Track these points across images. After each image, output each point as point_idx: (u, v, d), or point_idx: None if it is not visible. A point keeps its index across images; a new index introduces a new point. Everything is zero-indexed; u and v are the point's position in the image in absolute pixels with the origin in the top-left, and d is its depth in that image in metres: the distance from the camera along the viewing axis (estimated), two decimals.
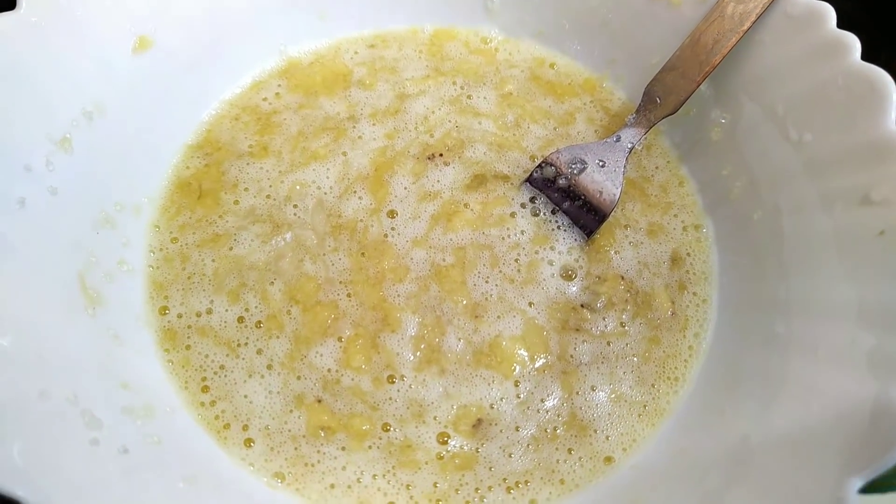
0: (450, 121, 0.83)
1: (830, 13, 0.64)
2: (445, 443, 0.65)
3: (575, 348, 0.70)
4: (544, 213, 0.76)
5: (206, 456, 0.62)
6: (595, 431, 0.67)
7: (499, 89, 0.86)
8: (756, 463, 0.56)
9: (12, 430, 0.48)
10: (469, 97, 0.85)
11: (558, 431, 0.66)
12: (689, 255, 0.76)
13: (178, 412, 0.64)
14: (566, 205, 0.76)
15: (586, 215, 0.75)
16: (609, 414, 0.68)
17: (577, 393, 0.68)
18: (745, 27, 0.69)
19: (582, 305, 0.72)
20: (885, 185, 0.58)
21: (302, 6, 0.86)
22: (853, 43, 0.62)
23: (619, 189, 0.74)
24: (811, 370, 0.59)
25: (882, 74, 0.59)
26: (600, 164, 0.75)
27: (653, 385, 0.69)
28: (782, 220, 0.68)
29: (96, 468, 0.51)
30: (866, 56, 0.61)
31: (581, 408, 0.68)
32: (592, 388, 0.68)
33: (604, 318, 0.72)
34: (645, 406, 0.68)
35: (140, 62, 0.72)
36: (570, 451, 0.66)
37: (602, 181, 0.75)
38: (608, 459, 0.66)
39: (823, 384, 0.57)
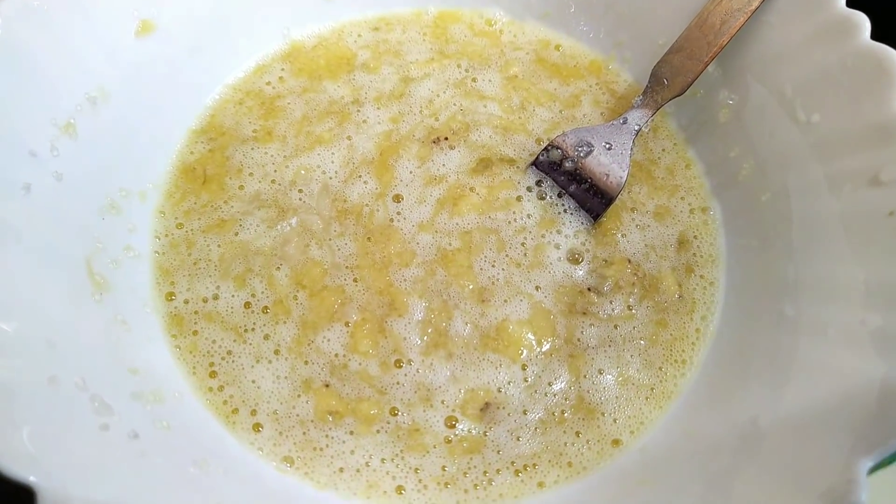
0: (455, 104, 0.83)
1: None
2: (453, 426, 0.65)
3: (582, 332, 0.70)
4: (550, 197, 0.76)
5: (216, 441, 0.62)
6: (602, 414, 0.67)
7: (504, 72, 0.86)
8: (765, 445, 0.56)
9: (22, 415, 0.48)
10: (474, 80, 0.85)
11: (566, 415, 0.67)
12: (696, 237, 0.76)
13: (187, 397, 0.64)
14: (572, 188, 0.75)
15: (593, 199, 0.74)
16: (616, 397, 0.68)
17: (585, 376, 0.68)
18: (753, 7, 0.68)
19: (589, 289, 0.72)
20: (895, 165, 0.57)
21: None
22: (862, 22, 0.61)
23: (626, 172, 0.74)
24: (820, 352, 0.59)
25: (892, 54, 0.59)
26: (607, 146, 0.75)
27: (660, 368, 0.70)
28: (790, 201, 0.68)
29: (107, 453, 0.52)
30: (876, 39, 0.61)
31: (588, 391, 0.68)
32: (600, 372, 0.68)
33: (611, 302, 0.71)
34: (652, 389, 0.68)
35: (143, 46, 0.72)
36: (577, 434, 0.66)
37: (609, 164, 0.74)
38: (616, 442, 0.66)
39: (832, 366, 0.57)
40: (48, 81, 0.62)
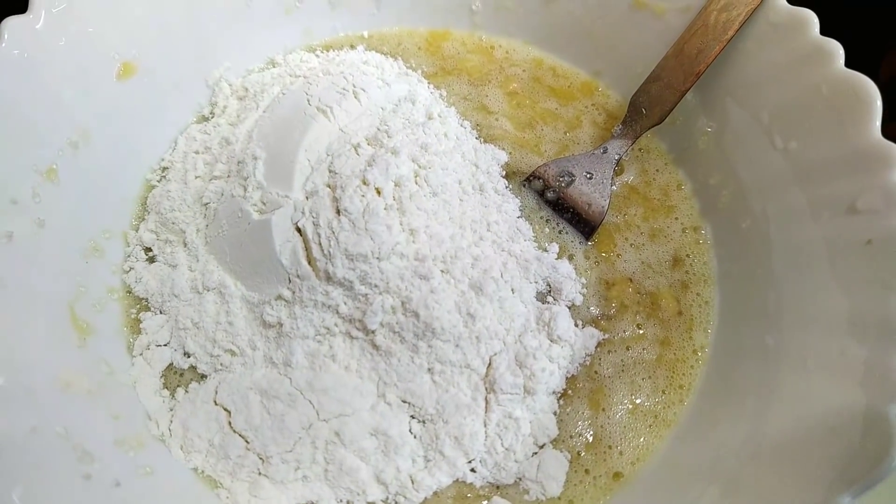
0: (469, 118, 0.82)
1: (813, 20, 0.64)
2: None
3: (600, 361, 0.70)
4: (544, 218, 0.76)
5: (198, 486, 0.61)
6: (610, 447, 0.67)
7: (504, 87, 0.85)
8: (745, 479, 0.56)
9: (11, 473, 0.48)
10: (478, 95, 0.84)
11: (582, 455, 0.66)
12: (688, 256, 0.75)
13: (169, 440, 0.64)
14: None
15: (577, 225, 0.75)
16: (625, 427, 0.67)
17: (603, 410, 0.68)
18: (729, 35, 0.69)
19: (599, 317, 0.71)
20: (871, 193, 0.57)
21: (287, 21, 0.85)
22: (836, 50, 0.62)
23: (608, 201, 0.74)
24: (800, 382, 0.59)
25: (866, 82, 0.59)
26: (588, 176, 0.75)
27: (663, 392, 0.69)
28: (770, 228, 0.68)
29: None
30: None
31: (603, 426, 0.67)
32: (615, 403, 0.68)
33: (620, 323, 0.71)
34: (656, 416, 0.68)
35: (124, 88, 0.71)
36: (586, 471, 0.65)
37: (590, 193, 0.74)
38: (617, 475, 0.66)
39: (812, 397, 0.57)
40: (29, 127, 0.62)
